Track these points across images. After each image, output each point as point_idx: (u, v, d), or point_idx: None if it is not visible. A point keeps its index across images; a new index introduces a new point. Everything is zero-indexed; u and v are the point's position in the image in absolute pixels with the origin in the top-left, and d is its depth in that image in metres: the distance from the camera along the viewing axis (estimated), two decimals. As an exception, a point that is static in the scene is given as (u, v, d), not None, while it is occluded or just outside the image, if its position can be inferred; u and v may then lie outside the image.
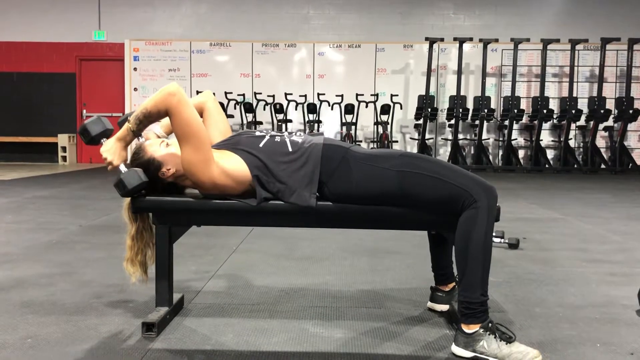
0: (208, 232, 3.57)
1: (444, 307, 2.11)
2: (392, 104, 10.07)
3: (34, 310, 2.10)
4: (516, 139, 10.39)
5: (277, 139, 1.89)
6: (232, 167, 1.82)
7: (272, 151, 1.84)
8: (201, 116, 2.03)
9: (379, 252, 3.19)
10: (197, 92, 9.93)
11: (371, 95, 10.44)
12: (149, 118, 1.79)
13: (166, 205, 1.90)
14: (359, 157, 1.82)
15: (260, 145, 1.86)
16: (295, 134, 1.95)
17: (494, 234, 3.34)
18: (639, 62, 10.52)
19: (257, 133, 1.93)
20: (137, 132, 1.82)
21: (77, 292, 2.33)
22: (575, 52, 9.97)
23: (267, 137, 1.89)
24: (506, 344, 1.66)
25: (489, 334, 1.68)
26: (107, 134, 1.88)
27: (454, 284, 2.12)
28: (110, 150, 1.81)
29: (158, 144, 1.92)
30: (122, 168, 1.82)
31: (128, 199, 1.91)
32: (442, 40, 10.08)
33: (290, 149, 1.85)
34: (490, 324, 1.69)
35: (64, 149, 10.66)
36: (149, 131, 1.99)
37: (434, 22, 10.84)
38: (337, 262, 2.97)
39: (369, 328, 1.96)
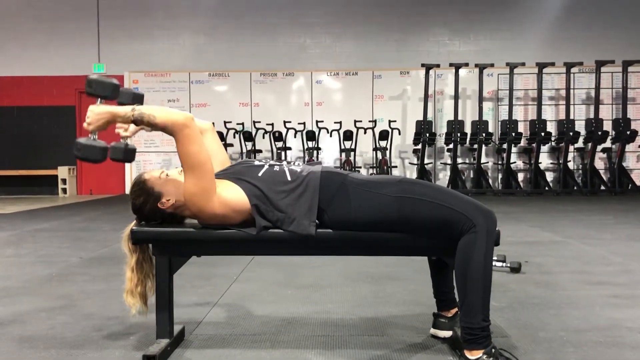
0: (208, 262, 3.56)
1: (447, 334, 2.09)
2: (390, 130, 10.13)
3: (33, 344, 2.08)
4: (515, 162, 10.43)
5: (276, 168, 1.90)
6: (231, 197, 1.82)
7: (271, 180, 1.85)
8: None
9: (380, 279, 3.18)
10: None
11: (369, 121, 10.51)
12: (151, 125, 1.78)
13: (165, 236, 1.90)
14: (357, 184, 1.83)
15: (259, 174, 1.87)
16: (294, 163, 1.96)
17: (495, 258, 3.35)
18: (634, 84, 10.62)
19: (256, 162, 1.94)
20: (135, 123, 1.81)
21: (77, 325, 2.31)
22: (570, 74, 10.06)
23: (266, 167, 1.91)
24: (510, 369, 1.65)
25: (492, 360, 1.66)
26: (106, 98, 1.85)
27: (456, 309, 2.10)
28: (98, 115, 1.77)
29: (158, 175, 1.93)
30: (91, 137, 1.82)
31: (128, 231, 1.91)
32: (438, 66, 10.19)
33: (289, 178, 1.86)
34: (493, 350, 1.67)
35: (64, 181, 10.69)
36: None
37: (429, 49, 10.97)
38: (339, 289, 2.95)
39: (371, 356, 1.94)
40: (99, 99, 1.84)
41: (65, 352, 1.99)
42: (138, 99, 2.02)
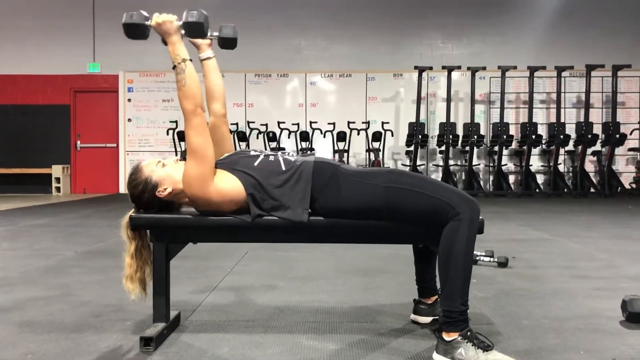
0: (203, 255, 3.63)
1: (427, 320, 2.18)
2: (383, 131, 10.23)
3: (33, 329, 2.14)
4: (506, 164, 10.54)
5: (271, 158, 1.98)
6: (228, 186, 1.90)
7: (267, 170, 1.93)
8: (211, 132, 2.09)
9: (371, 272, 3.25)
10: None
11: (362, 122, 10.62)
12: (176, 68, 2.04)
13: (163, 222, 1.97)
14: (348, 174, 1.90)
15: (255, 164, 1.94)
16: (288, 153, 2.04)
17: (483, 253, 3.44)
18: (624, 88, 10.78)
19: (252, 152, 2.02)
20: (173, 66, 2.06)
21: (75, 312, 2.38)
22: (561, 78, 10.19)
23: (262, 157, 1.98)
24: (483, 352, 1.72)
25: (466, 342, 1.73)
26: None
27: (436, 297, 2.18)
28: (165, 19, 1.99)
29: (154, 164, 1.99)
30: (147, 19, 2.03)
31: (126, 218, 1.97)
32: (431, 68, 10.29)
33: (283, 168, 1.93)
34: (469, 333, 1.75)
35: (57, 179, 10.70)
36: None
37: (422, 52, 11.08)
38: (331, 281, 3.02)
39: (360, 340, 2.01)
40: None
41: (64, 336, 2.05)
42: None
